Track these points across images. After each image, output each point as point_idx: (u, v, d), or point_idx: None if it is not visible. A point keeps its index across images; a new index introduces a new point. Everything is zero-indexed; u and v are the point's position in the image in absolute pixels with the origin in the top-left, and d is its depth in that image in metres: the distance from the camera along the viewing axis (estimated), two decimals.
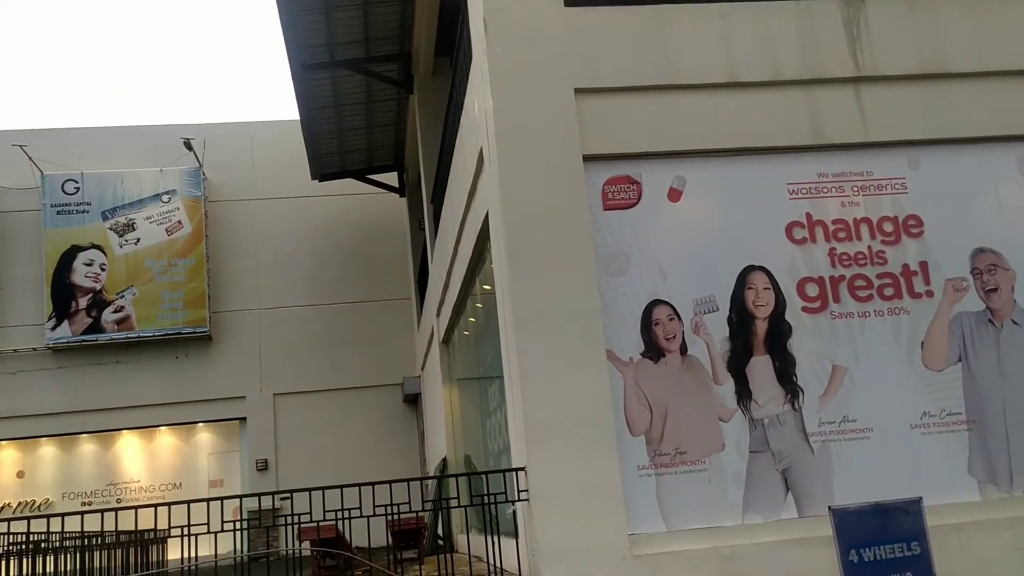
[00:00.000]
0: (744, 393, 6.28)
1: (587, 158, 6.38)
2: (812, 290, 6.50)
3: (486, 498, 6.30)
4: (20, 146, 17.32)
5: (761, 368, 6.34)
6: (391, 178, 18.37)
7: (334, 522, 6.19)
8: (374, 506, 6.12)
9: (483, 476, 6.66)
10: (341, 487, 6.06)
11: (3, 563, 7.78)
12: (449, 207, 10.35)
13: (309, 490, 6.02)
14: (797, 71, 6.67)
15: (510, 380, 6.43)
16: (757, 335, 6.40)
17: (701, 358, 6.32)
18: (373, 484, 6.12)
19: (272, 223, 18.83)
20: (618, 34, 6.56)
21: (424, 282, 15.26)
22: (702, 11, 6.70)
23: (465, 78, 7.93)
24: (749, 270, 6.47)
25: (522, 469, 6.03)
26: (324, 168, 17.21)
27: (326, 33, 12.75)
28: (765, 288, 6.45)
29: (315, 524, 6.07)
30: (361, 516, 6.09)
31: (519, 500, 6.07)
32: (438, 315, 12.77)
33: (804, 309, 6.47)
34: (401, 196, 18.39)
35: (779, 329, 6.41)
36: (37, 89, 44.74)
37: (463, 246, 9.34)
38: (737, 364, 6.33)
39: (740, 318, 6.40)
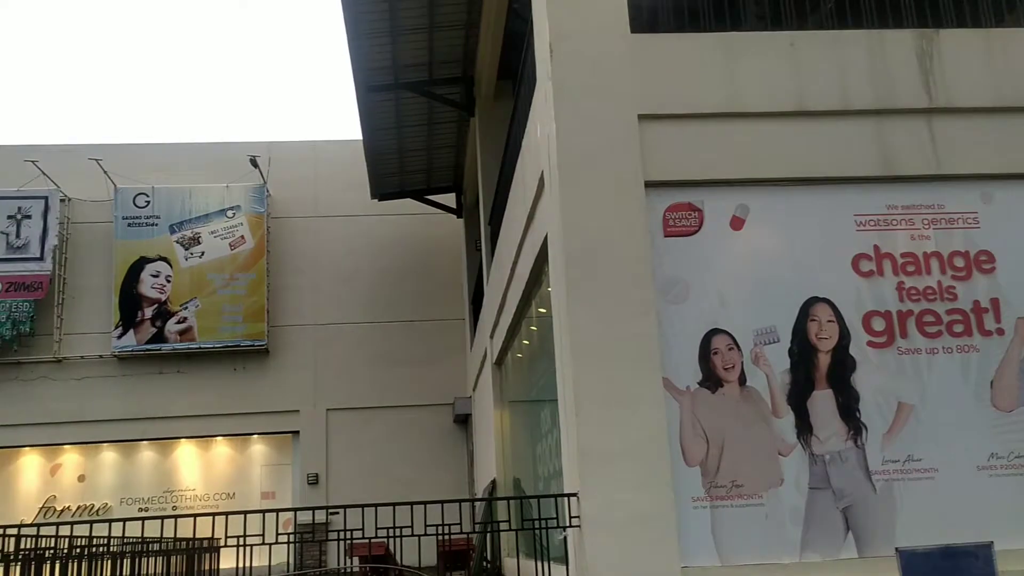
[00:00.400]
0: (805, 427, 6.15)
1: (649, 184, 6.34)
2: (878, 324, 6.35)
3: (537, 523, 6.26)
4: (96, 160, 17.91)
5: (823, 402, 6.20)
6: (449, 199, 18.55)
7: (385, 539, 6.22)
8: (425, 525, 6.13)
9: (535, 500, 6.62)
10: (393, 504, 6.09)
11: (63, 566, 7.97)
12: (507, 229, 10.39)
13: (362, 506, 6.04)
14: (868, 101, 6.56)
15: (564, 405, 6.39)
16: (819, 368, 6.26)
17: (760, 390, 6.21)
18: (425, 503, 6.12)
19: (331, 240, 19.13)
20: (684, 61, 6.54)
21: (478, 303, 15.31)
22: (771, 39, 6.65)
23: (528, 102, 7.98)
24: (813, 302, 6.35)
25: (574, 495, 5.98)
26: (384, 188, 17.45)
27: (391, 56, 12.97)
28: (829, 321, 6.32)
29: (367, 540, 6.11)
30: (412, 535, 6.10)
31: (570, 526, 6.01)
32: (491, 336, 12.79)
33: (869, 343, 6.32)
34: (458, 217, 18.54)
35: (843, 363, 6.27)
36: (110, 103, 46.40)
37: (520, 268, 9.35)
38: (798, 397, 6.20)
39: (802, 350, 6.27)
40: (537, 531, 6.29)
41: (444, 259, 19.09)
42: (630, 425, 5.91)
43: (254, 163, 17.93)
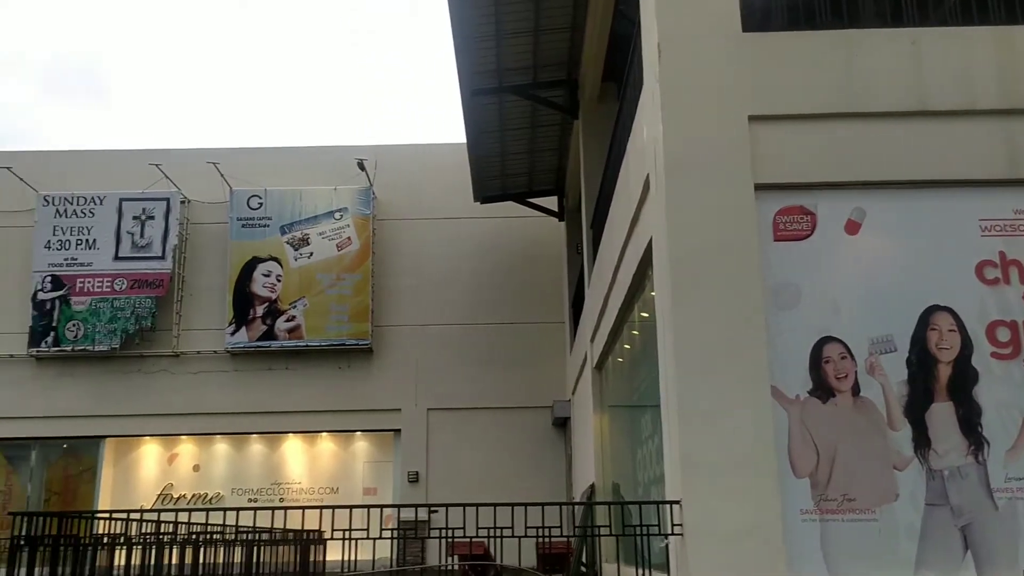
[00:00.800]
0: (922, 441, 5.88)
1: (759, 187, 6.20)
2: (1003, 335, 6.02)
3: (637, 529, 6.19)
4: (213, 163, 18.71)
5: (942, 415, 5.92)
6: (551, 202, 18.57)
7: (484, 539, 6.27)
8: (525, 527, 6.15)
9: (635, 506, 6.55)
10: (494, 505, 6.13)
11: (180, 551, 8.35)
12: (609, 233, 10.33)
13: (463, 505, 6.11)
14: (994, 100, 6.23)
15: (667, 411, 6.31)
16: (939, 380, 5.98)
17: (875, 400, 5.98)
18: (525, 505, 6.15)
19: (434, 242, 19.42)
20: (798, 59, 6.36)
21: (579, 306, 15.28)
22: (891, 36, 6.39)
23: (634, 104, 7.91)
24: (933, 310, 6.07)
25: (677, 502, 5.89)
26: (486, 190, 17.61)
27: (496, 60, 13.09)
28: (950, 330, 6.03)
29: (468, 539, 6.17)
30: (513, 536, 6.13)
31: (672, 534, 5.93)
32: (592, 340, 12.73)
33: (993, 355, 6.00)
34: (560, 220, 18.54)
35: (964, 375, 5.97)
36: (227, 108, 48.46)
37: (622, 272, 9.28)
38: (915, 410, 5.94)
39: (921, 360, 6.01)
40: (637, 538, 6.22)
41: (545, 262, 19.14)
42: (736, 433, 5.79)
43: (361, 166, 18.38)
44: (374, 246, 19.01)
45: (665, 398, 6.37)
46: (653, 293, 7.12)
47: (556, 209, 18.55)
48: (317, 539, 11.57)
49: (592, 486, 12.69)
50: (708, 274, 6.07)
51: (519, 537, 6.12)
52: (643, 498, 8.56)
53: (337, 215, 18.99)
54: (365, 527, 6.21)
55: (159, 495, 18.69)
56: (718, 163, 6.20)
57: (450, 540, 6.22)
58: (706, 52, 6.39)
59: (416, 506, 6.97)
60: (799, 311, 6.12)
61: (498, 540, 6.16)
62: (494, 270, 19.21)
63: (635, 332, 9.60)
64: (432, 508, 6.62)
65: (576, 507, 12.01)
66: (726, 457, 5.76)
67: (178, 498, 18.64)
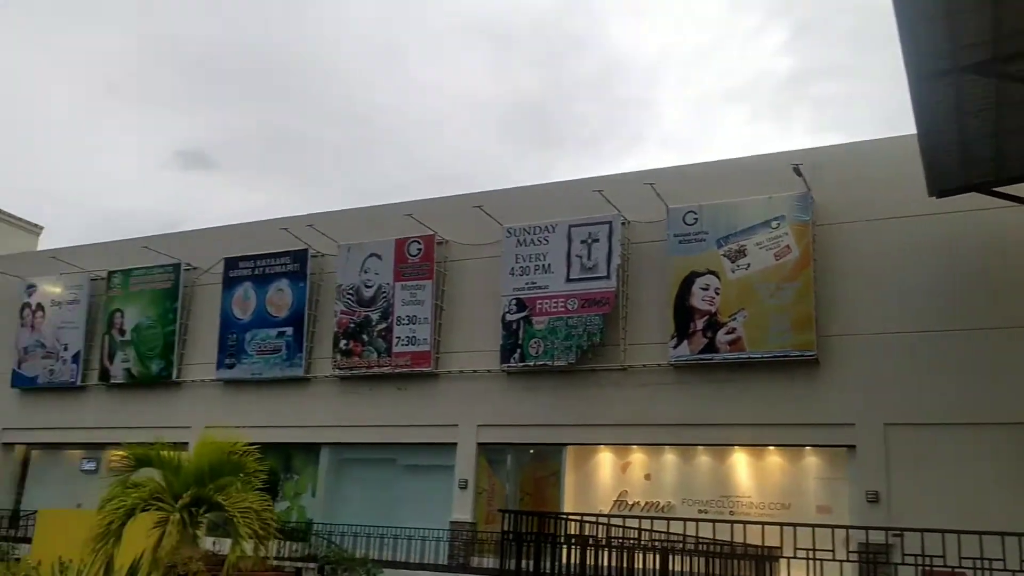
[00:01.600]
0: None
1: None
2: None
3: None
4: (650, 184, 19.54)
5: None
6: (1022, 189, 16.13)
7: (968, 570, 5.62)
8: (1020, 560, 5.37)
9: None
10: (979, 533, 5.46)
11: (641, 556, 8.76)
12: None
13: (942, 531, 5.53)
14: None
15: None
16: None
17: None
18: (1020, 535, 5.37)
19: (881, 244, 18.05)
20: None
21: None
22: None
23: None
24: None
25: None
26: (942, 184, 15.87)
27: (948, 38, 11.76)
28: None
29: (949, 569, 5.57)
30: (1004, 569, 5.40)
31: None
32: None
33: None
34: None
35: None
36: (661, 129, 50.54)
37: None
38: None
39: None
40: None
41: (1021, 257, 16.64)
42: None
43: (797, 172, 17.73)
44: (814, 253, 18.23)
45: None
46: None
47: None
48: (771, 555, 11.33)
49: None
50: None
51: (1012, 571, 5.37)
52: None
53: (774, 224, 18.60)
54: (825, 547, 5.94)
55: (615, 501, 19.84)
56: None
57: (928, 568, 5.67)
58: None
59: (887, 529, 6.44)
60: None
61: (985, 572, 5.46)
62: (957, 269, 17.22)
63: None
64: (895, 532, 6.12)
65: None
66: None
67: (632, 505, 19.61)
